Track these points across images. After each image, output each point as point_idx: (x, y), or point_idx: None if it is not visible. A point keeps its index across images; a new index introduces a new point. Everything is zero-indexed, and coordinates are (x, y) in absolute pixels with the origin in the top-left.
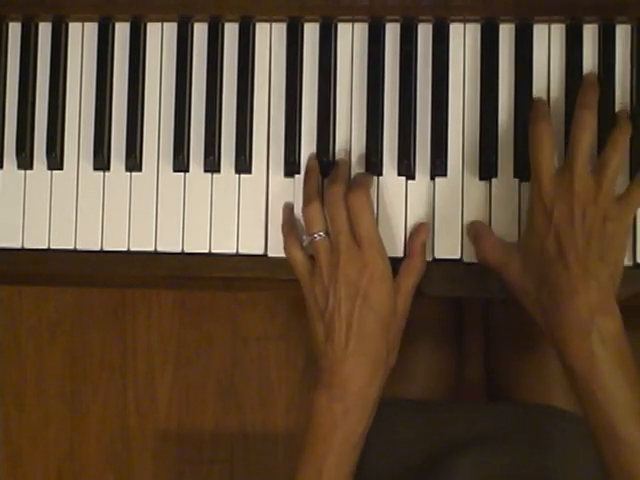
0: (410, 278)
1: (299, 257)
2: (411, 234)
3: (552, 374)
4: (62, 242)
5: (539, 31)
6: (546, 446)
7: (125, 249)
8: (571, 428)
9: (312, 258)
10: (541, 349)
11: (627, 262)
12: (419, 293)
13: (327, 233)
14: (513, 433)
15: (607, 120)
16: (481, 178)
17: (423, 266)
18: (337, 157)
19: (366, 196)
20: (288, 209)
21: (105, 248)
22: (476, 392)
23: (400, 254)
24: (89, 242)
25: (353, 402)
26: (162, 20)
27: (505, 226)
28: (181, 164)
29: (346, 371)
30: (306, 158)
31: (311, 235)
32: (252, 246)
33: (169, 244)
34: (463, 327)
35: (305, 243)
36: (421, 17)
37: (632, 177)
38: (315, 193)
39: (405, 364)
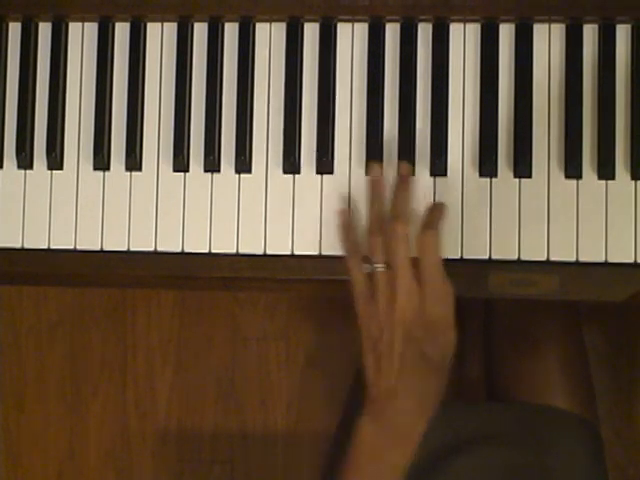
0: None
1: (360, 279)
2: None
3: (552, 374)
4: (62, 242)
5: (539, 31)
6: (545, 446)
7: (125, 249)
8: (570, 428)
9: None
10: (541, 349)
11: (627, 260)
12: None
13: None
14: (513, 433)
15: (607, 121)
16: (481, 178)
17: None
18: (396, 190)
19: (439, 239)
20: (347, 222)
21: (105, 248)
22: (476, 392)
23: None
24: (89, 242)
25: (399, 436)
26: (162, 20)
27: (505, 226)
28: (181, 164)
29: (395, 406)
30: (306, 158)
31: (373, 264)
32: (252, 246)
33: (169, 244)
34: (463, 327)
35: (367, 270)
36: (421, 17)
37: (634, 175)
38: (380, 223)
39: None
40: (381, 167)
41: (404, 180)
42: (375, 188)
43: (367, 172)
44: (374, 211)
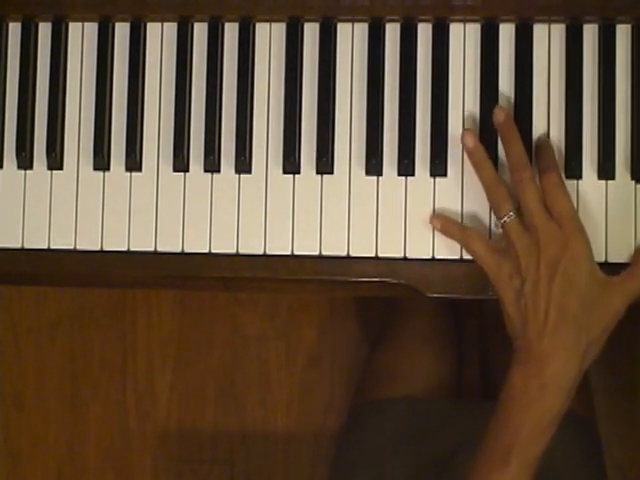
0: (632, 283)
1: (483, 251)
2: None
3: None
4: (62, 242)
5: (539, 31)
6: None
7: (125, 249)
8: (568, 427)
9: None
10: None
11: (627, 260)
12: (418, 294)
13: (515, 213)
14: None
15: (607, 121)
16: None
17: None
18: (504, 140)
19: (560, 177)
20: (444, 215)
21: (105, 248)
22: (474, 392)
23: (400, 254)
24: (89, 242)
25: (550, 380)
26: (162, 20)
27: None
28: (181, 164)
29: (544, 348)
30: (306, 158)
31: (501, 217)
32: (252, 246)
33: (169, 244)
34: (462, 328)
35: (496, 227)
36: (421, 17)
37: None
38: (496, 177)
39: (405, 365)
40: (474, 134)
41: (506, 125)
42: (476, 155)
43: (463, 140)
44: (487, 172)
